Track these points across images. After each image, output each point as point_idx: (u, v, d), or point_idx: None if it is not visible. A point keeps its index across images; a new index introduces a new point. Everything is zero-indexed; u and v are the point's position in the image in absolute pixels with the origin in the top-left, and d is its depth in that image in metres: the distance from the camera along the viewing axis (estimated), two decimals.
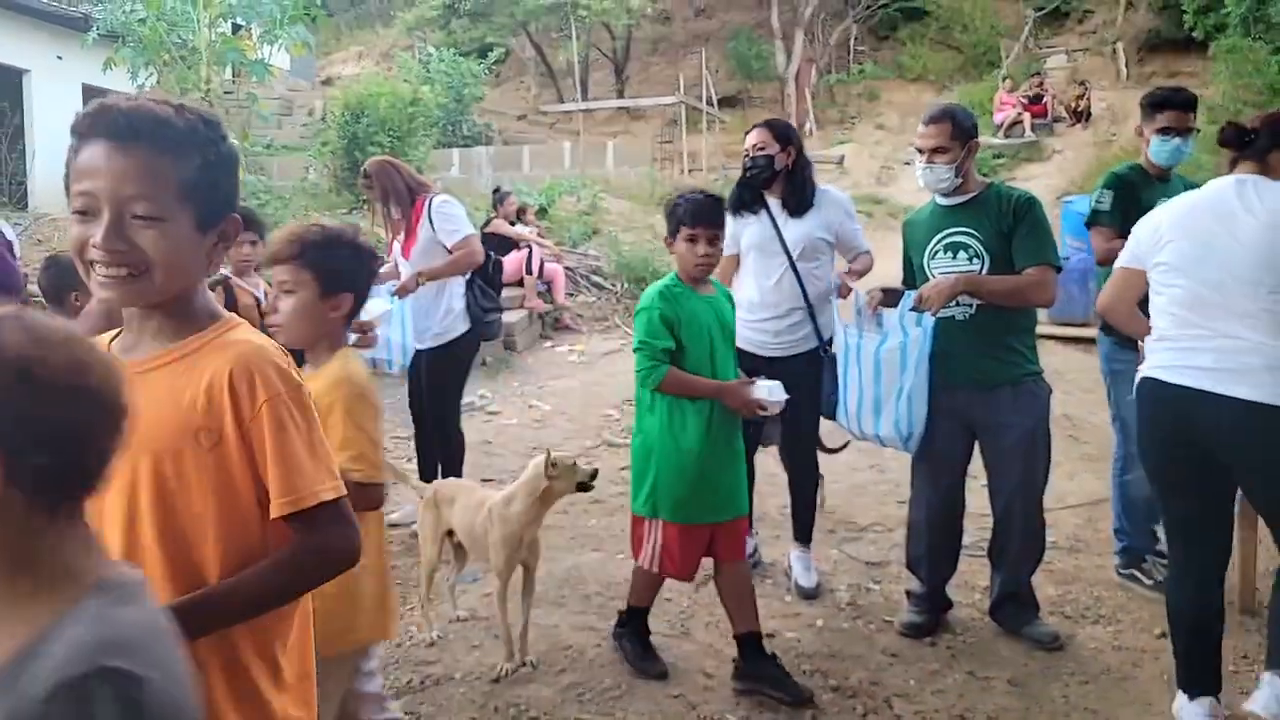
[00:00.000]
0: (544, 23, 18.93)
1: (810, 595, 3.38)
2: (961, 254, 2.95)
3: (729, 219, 2.95)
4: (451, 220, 3.99)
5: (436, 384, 4.04)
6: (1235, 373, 2.24)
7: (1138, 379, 2.52)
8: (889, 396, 2.95)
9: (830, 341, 3.41)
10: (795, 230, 3.35)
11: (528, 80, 21.50)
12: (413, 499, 3.78)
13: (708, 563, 2.80)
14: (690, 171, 16.27)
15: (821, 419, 3.39)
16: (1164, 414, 2.40)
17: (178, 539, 1.19)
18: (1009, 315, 2.93)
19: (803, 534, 3.53)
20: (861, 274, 3.45)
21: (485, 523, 2.86)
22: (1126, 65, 17.33)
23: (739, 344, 2.96)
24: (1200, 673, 2.45)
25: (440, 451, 4.11)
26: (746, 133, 3.51)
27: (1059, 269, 2.92)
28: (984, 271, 2.91)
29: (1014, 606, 3.08)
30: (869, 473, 4.91)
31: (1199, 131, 3.47)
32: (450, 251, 3.97)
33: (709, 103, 17.91)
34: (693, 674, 2.82)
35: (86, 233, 1.14)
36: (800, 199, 3.36)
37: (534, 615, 2.98)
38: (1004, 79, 16.79)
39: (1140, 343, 2.71)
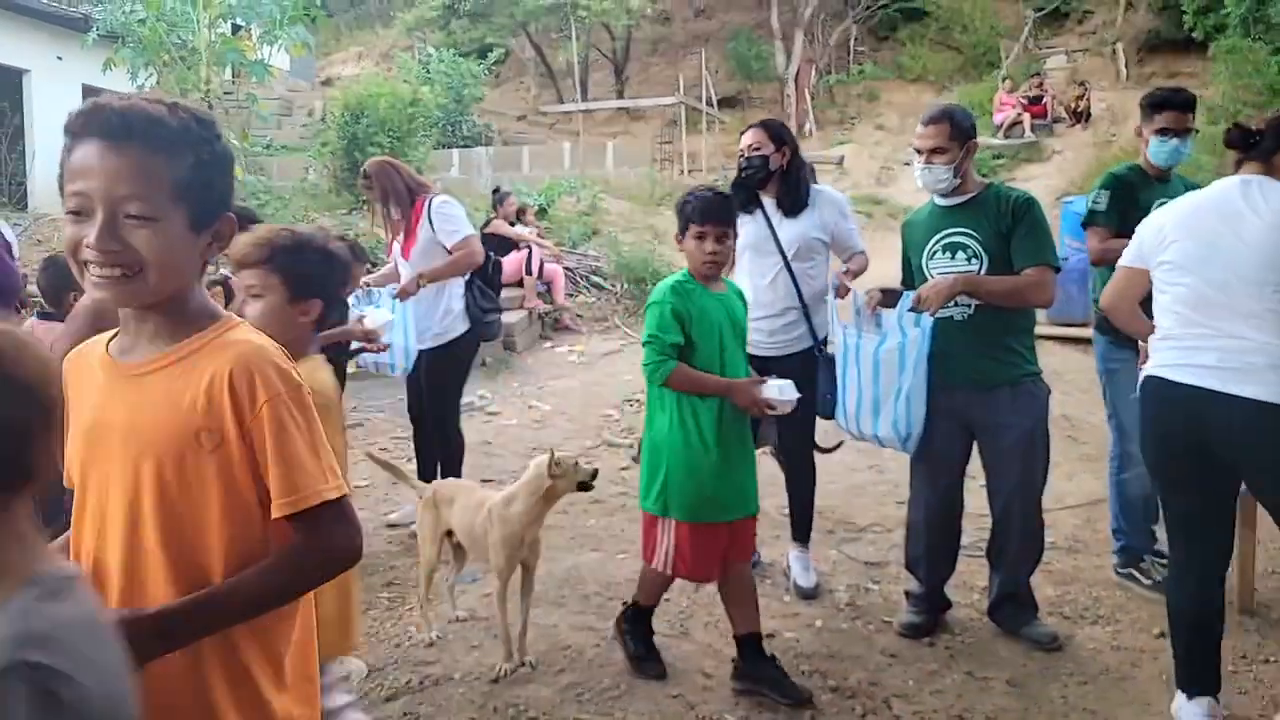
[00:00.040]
0: (544, 23, 18.94)
1: (809, 595, 3.38)
2: (960, 254, 2.95)
3: None
4: (451, 221, 3.99)
5: (436, 384, 4.05)
6: (1240, 372, 2.25)
7: (1141, 377, 2.52)
8: (887, 397, 2.95)
9: (825, 341, 3.41)
10: (790, 230, 3.35)
11: (527, 81, 21.51)
12: (412, 499, 3.78)
13: None
14: (690, 172, 16.27)
15: (817, 419, 3.39)
16: (1171, 413, 2.40)
17: (181, 541, 1.19)
18: (1007, 316, 2.93)
19: (801, 534, 3.53)
20: (857, 274, 3.45)
21: (486, 523, 2.86)
22: (1126, 66, 17.33)
23: None
24: (1200, 672, 2.45)
25: (440, 452, 4.11)
26: (742, 133, 3.52)
27: (1058, 269, 2.92)
28: (983, 272, 2.91)
29: (1013, 607, 3.08)
30: (868, 473, 4.91)
31: (1198, 132, 3.47)
32: (450, 252, 3.97)
33: (709, 103, 17.92)
34: (691, 674, 2.82)
35: (80, 233, 1.14)
36: (795, 199, 3.37)
37: (533, 615, 2.98)
38: (1004, 79, 16.79)
39: (1142, 343, 2.71)
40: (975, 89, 17.62)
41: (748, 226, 3.37)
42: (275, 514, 1.20)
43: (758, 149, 3.36)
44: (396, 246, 4.15)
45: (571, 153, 14.82)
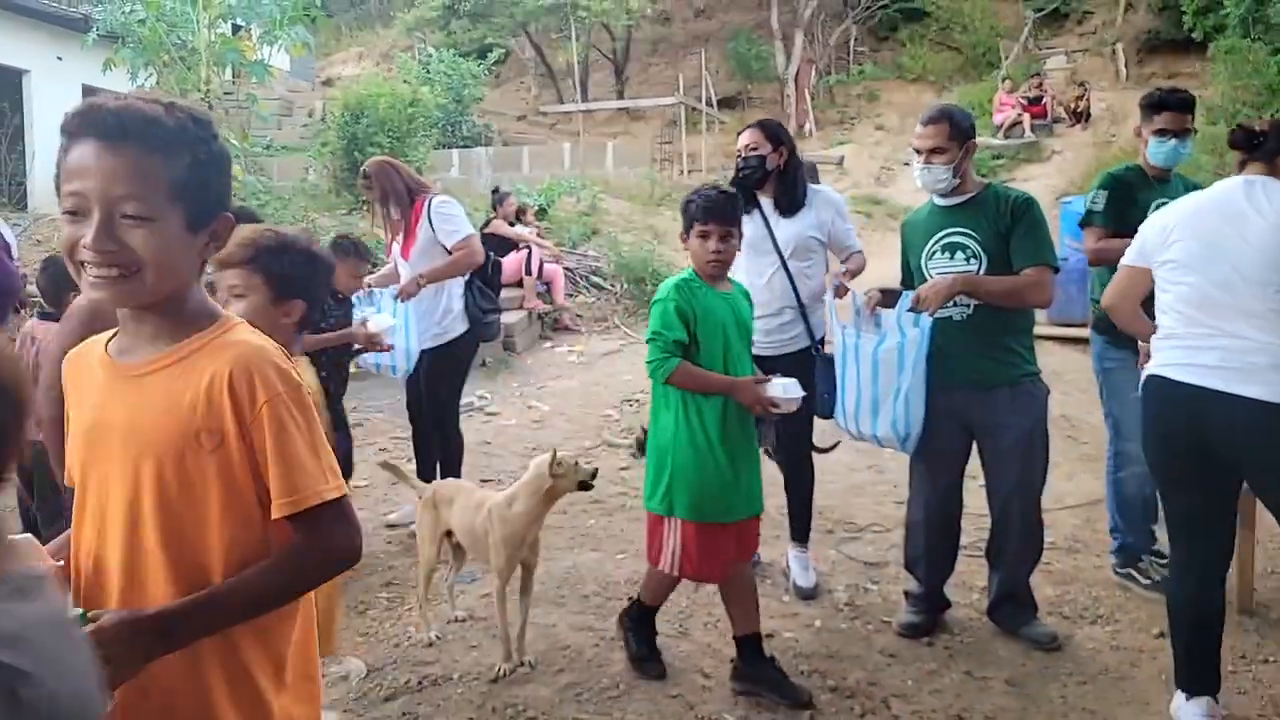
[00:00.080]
0: (544, 23, 18.95)
1: (808, 595, 3.38)
2: (959, 254, 2.95)
3: None
4: (451, 220, 3.99)
5: (435, 384, 4.05)
6: (1242, 372, 2.25)
7: (1143, 377, 2.52)
8: (886, 397, 2.96)
9: (822, 341, 3.41)
10: (787, 230, 3.36)
11: (527, 81, 21.51)
12: (412, 499, 3.78)
13: None
14: (690, 172, 16.28)
15: (815, 418, 3.39)
16: (1174, 412, 2.40)
17: (181, 541, 1.19)
18: (1007, 316, 2.93)
19: (800, 534, 3.54)
20: (855, 273, 3.45)
21: (486, 523, 2.86)
22: (1126, 66, 17.34)
23: None
24: (1200, 671, 2.45)
25: (439, 452, 4.12)
26: (739, 133, 3.52)
27: (1057, 269, 2.92)
28: (982, 272, 2.91)
29: (1012, 607, 3.08)
30: (867, 473, 4.92)
31: (1196, 133, 3.47)
32: (450, 252, 3.97)
33: (709, 103, 17.92)
34: (690, 674, 2.82)
35: (77, 233, 1.14)
36: (792, 199, 3.37)
37: (532, 615, 2.98)
38: (1003, 80, 16.80)
39: (1143, 344, 2.72)
40: (975, 89, 17.63)
41: (745, 226, 3.37)
42: (275, 514, 1.20)
43: (755, 149, 3.37)
44: (396, 247, 4.15)
45: (571, 153, 14.83)
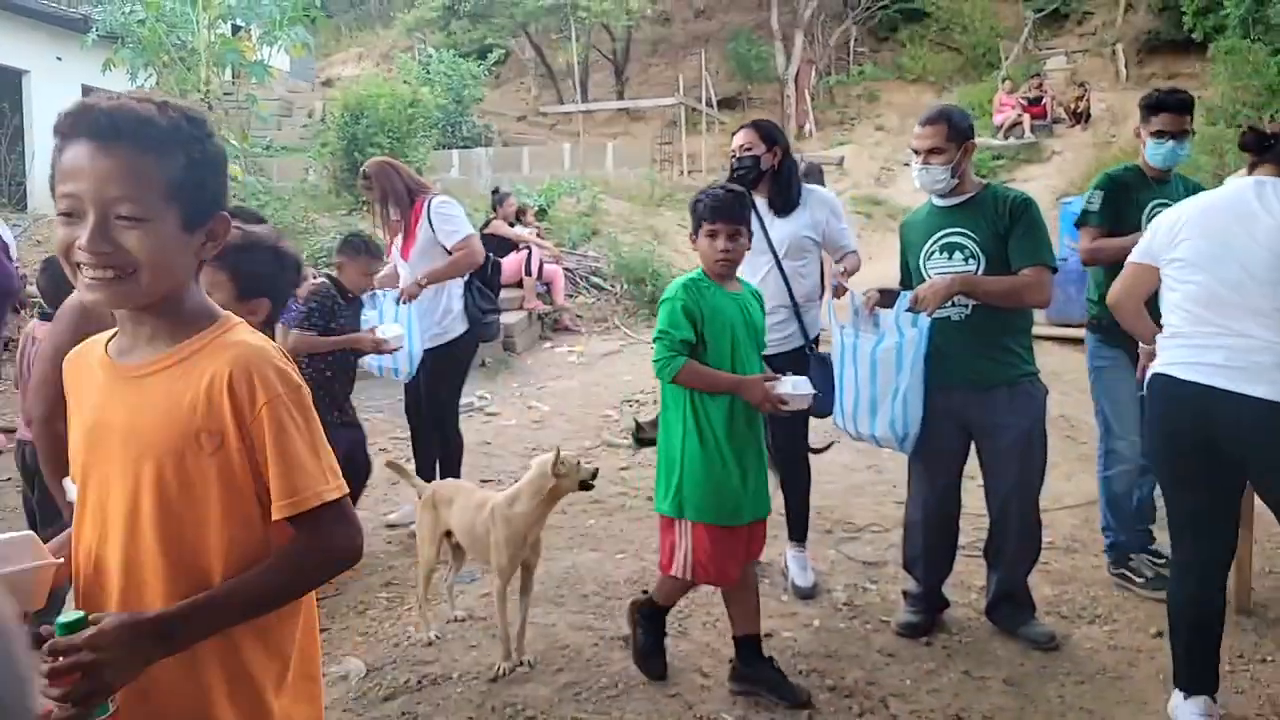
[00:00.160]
0: (544, 24, 18.96)
1: (807, 595, 3.39)
2: (958, 254, 2.96)
3: None
4: (450, 221, 4.00)
5: (434, 384, 4.05)
6: (1247, 371, 2.26)
7: (1148, 375, 2.52)
8: (885, 397, 2.96)
9: (816, 340, 3.42)
10: (781, 229, 3.36)
11: (527, 81, 21.52)
12: (412, 499, 3.79)
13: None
14: (690, 173, 16.30)
15: (810, 418, 3.39)
16: (1180, 410, 2.41)
17: (180, 543, 1.19)
18: (1005, 316, 2.94)
19: (798, 533, 3.54)
20: (851, 272, 3.46)
21: (488, 522, 2.86)
22: (1126, 66, 17.35)
23: None
24: (1200, 671, 2.46)
25: (438, 452, 4.12)
26: (733, 134, 3.54)
27: (1055, 270, 2.92)
28: (980, 272, 2.92)
29: (1010, 606, 3.08)
30: (866, 473, 4.92)
31: (1195, 134, 3.48)
32: (450, 252, 3.98)
33: (709, 104, 17.94)
34: (689, 673, 2.83)
35: (72, 234, 1.13)
36: (786, 198, 3.38)
37: (532, 615, 2.99)
38: (1003, 80, 16.81)
39: (1144, 345, 2.73)
40: (975, 90, 17.64)
41: None
42: (275, 515, 1.20)
43: (749, 149, 3.38)
44: (396, 247, 4.16)
45: (571, 153, 14.84)
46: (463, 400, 4.62)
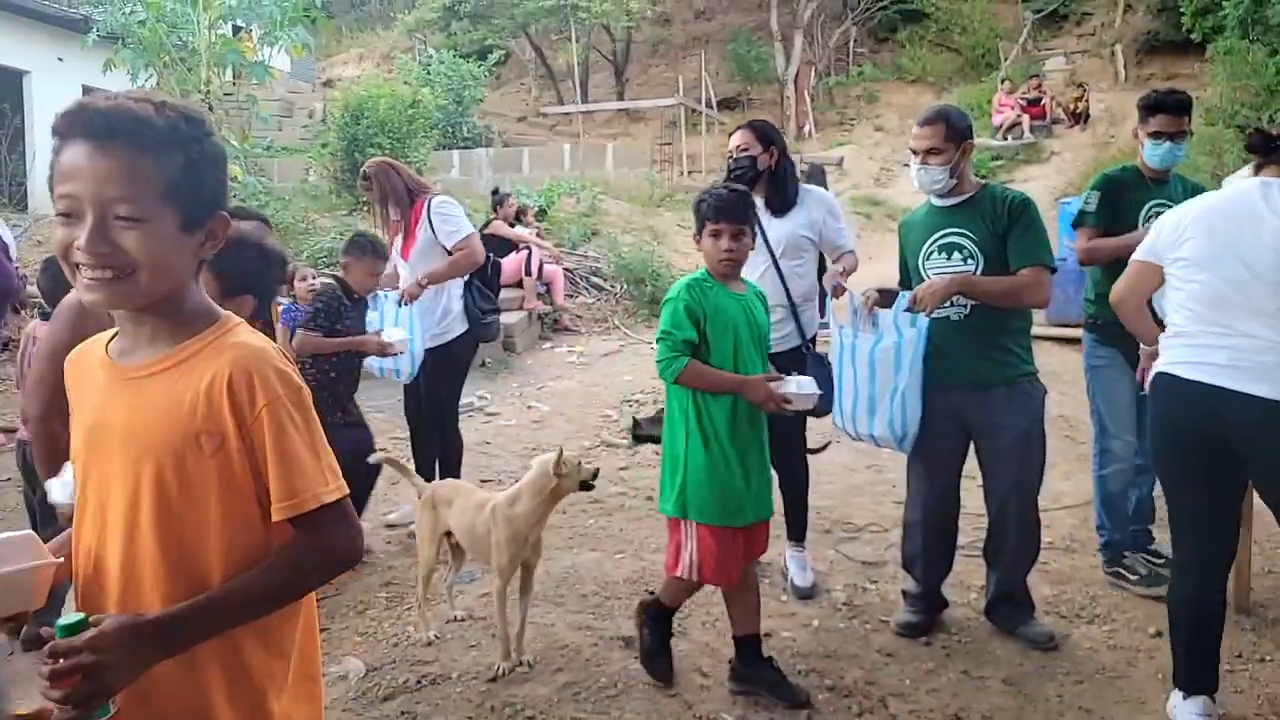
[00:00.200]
0: (544, 25, 18.97)
1: (806, 595, 3.39)
2: (956, 255, 2.96)
3: None
4: (450, 221, 4.00)
5: (434, 384, 4.05)
6: (1253, 371, 2.26)
7: (1151, 374, 2.53)
8: (883, 396, 2.96)
9: (813, 340, 3.42)
10: (778, 229, 3.37)
11: (528, 82, 21.54)
12: (411, 499, 3.79)
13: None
14: (689, 173, 16.31)
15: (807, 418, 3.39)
16: (1186, 409, 2.41)
17: (180, 544, 1.19)
18: (1003, 316, 2.94)
19: (796, 533, 3.54)
20: (849, 272, 3.46)
21: (489, 522, 2.86)
22: (1125, 67, 17.37)
23: None
24: (1199, 671, 2.46)
25: (438, 452, 4.12)
26: (730, 134, 3.54)
27: (1053, 270, 2.93)
28: (979, 272, 2.92)
29: (1009, 606, 3.08)
30: (866, 473, 4.93)
31: (1192, 134, 3.48)
32: (450, 252, 3.98)
33: (708, 105, 17.95)
34: (689, 673, 2.83)
35: (71, 235, 1.12)
36: (783, 198, 3.39)
37: (531, 614, 2.99)
38: (1003, 81, 16.83)
39: (1145, 347, 2.73)
40: (974, 90, 17.67)
41: None
42: (275, 517, 1.20)
43: (745, 150, 3.39)
44: (396, 248, 4.16)
45: (571, 154, 14.85)
46: (463, 400, 4.62)
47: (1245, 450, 2.33)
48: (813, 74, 19.55)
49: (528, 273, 8.66)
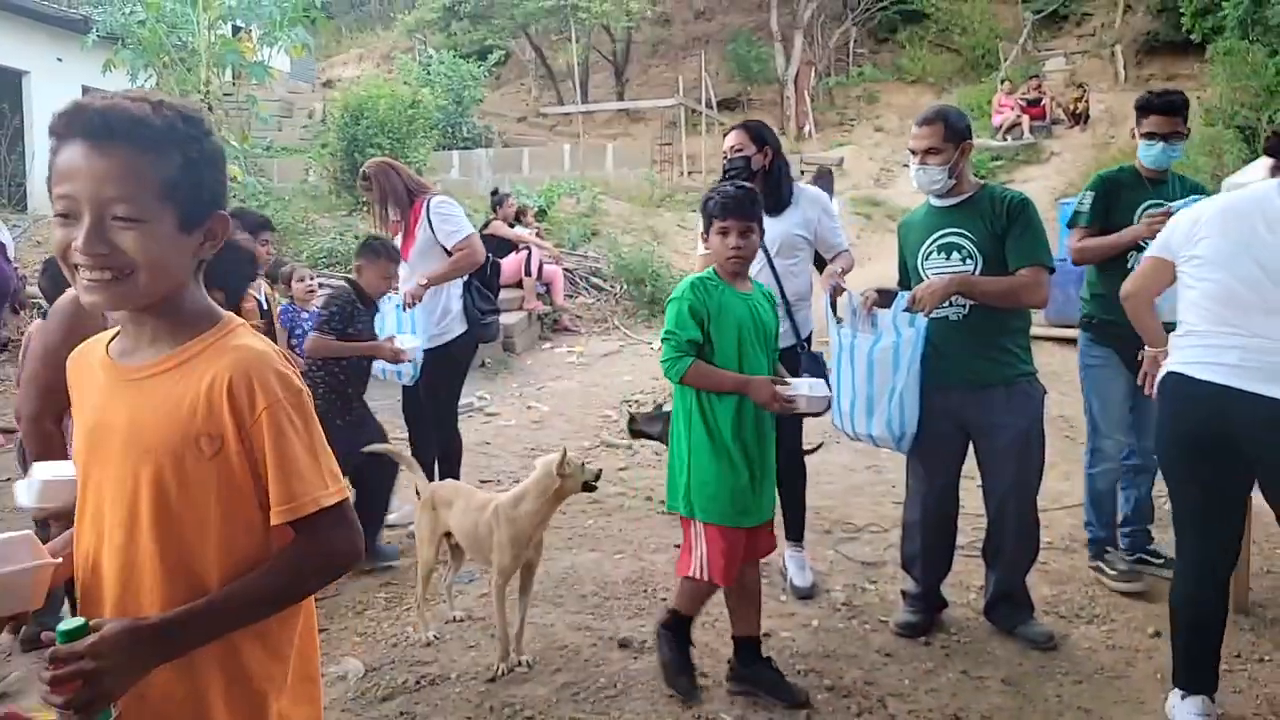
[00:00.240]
0: (544, 25, 18.98)
1: (805, 595, 3.39)
2: (955, 255, 2.96)
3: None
4: (450, 220, 4.00)
5: (433, 385, 4.05)
6: (1263, 371, 2.26)
7: (1161, 374, 2.53)
8: (881, 396, 2.96)
9: (809, 339, 3.42)
10: (773, 228, 3.37)
11: (528, 82, 21.55)
12: (411, 499, 3.79)
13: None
14: (689, 174, 16.31)
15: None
16: (1194, 409, 2.41)
17: (178, 546, 1.19)
18: (1002, 316, 2.94)
19: (795, 533, 3.54)
20: (845, 272, 3.46)
21: (491, 523, 2.86)
22: (1125, 68, 17.38)
23: None
24: (1199, 670, 2.46)
25: (438, 452, 4.12)
26: (724, 135, 3.55)
27: (1052, 270, 2.93)
28: (977, 272, 2.92)
29: (1008, 606, 3.09)
30: (866, 473, 4.93)
31: (1188, 135, 3.48)
32: (450, 253, 3.98)
33: (708, 105, 17.95)
34: None
35: (69, 236, 1.12)
36: (777, 198, 3.39)
37: (530, 615, 2.99)
38: (1002, 81, 16.84)
39: (1149, 348, 2.74)
40: (974, 91, 17.68)
41: None
42: (274, 520, 1.19)
43: (740, 150, 3.40)
44: None
45: (571, 154, 14.86)
46: (462, 400, 4.62)
47: (1252, 450, 2.33)
48: (813, 74, 19.56)
49: (527, 273, 8.66)
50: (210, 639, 1.17)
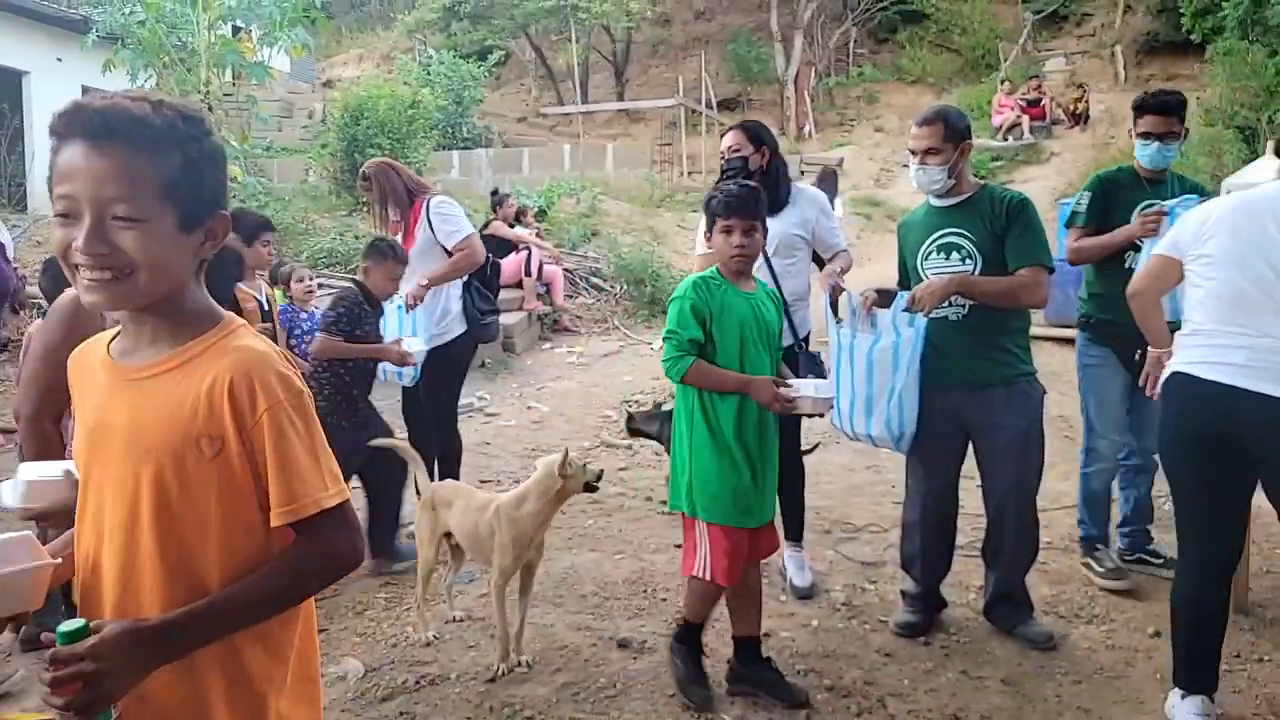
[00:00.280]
0: (544, 25, 18.98)
1: (805, 595, 3.39)
2: (954, 255, 2.96)
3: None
4: (450, 221, 4.00)
5: (433, 385, 4.05)
6: (1267, 370, 2.26)
7: (1166, 374, 2.52)
8: (880, 396, 2.97)
9: (807, 339, 3.42)
10: (771, 228, 3.35)
11: (528, 83, 21.55)
12: (411, 500, 3.79)
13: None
14: (689, 174, 16.31)
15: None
16: (1200, 409, 2.40)
17: (179, 546, 1.19)
18: (1001, 316, 2.94)
19: (794, 533, 3.54)
20: (844, 271, 3.47)
21: (493, 523, 2.86)
22: (1124, 68, 17.39)
23: None
24: (1199, 670, 2.46)
25: (437, 452, 4.12)
26: (722, 135, 3.55)
27: (1052, 270, 2.93)
28: (977, 272, 2.93)
29: (1008, 606, 3.09)
30: (865, 473, 4.93)
31: (1186, 135, 3.48)
32: (450, 253, 3.98)
33: (708, 105, 17.95)
34: None
35: (69, 236, 1.12)
36: (775, 198, 3.39)
37: (530, 615, 2.99)
38: (1002, 82, 16.84)
39: (1153, 349, 2.74)
40: (974, 91, 17.68)
41: None
42: (274, 522, 1.19)
43: (737, 150, 3.40)
44: None
45: (571, 154, 14.86)
46: (462, 401, 4.62)
47: (1257, 450, 2.32)
48: (813, 74, 19.56)
49: (527, 273, 8.66)
50: (211, 640, 1.17)
